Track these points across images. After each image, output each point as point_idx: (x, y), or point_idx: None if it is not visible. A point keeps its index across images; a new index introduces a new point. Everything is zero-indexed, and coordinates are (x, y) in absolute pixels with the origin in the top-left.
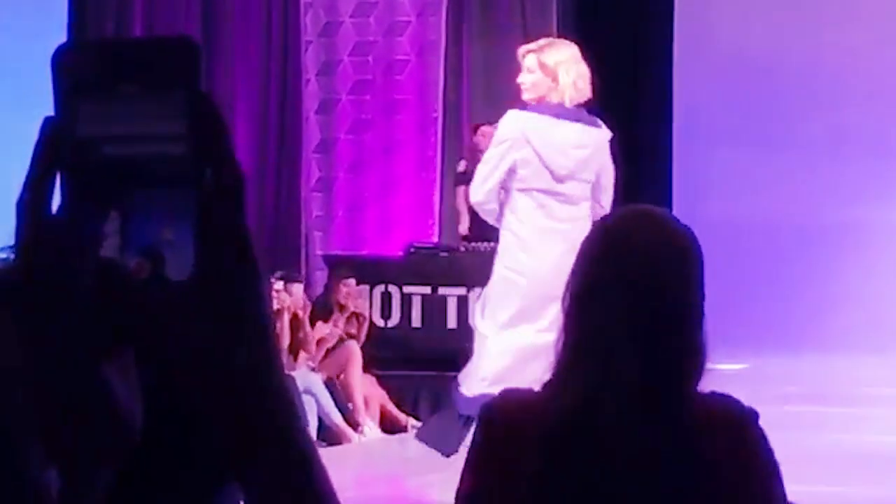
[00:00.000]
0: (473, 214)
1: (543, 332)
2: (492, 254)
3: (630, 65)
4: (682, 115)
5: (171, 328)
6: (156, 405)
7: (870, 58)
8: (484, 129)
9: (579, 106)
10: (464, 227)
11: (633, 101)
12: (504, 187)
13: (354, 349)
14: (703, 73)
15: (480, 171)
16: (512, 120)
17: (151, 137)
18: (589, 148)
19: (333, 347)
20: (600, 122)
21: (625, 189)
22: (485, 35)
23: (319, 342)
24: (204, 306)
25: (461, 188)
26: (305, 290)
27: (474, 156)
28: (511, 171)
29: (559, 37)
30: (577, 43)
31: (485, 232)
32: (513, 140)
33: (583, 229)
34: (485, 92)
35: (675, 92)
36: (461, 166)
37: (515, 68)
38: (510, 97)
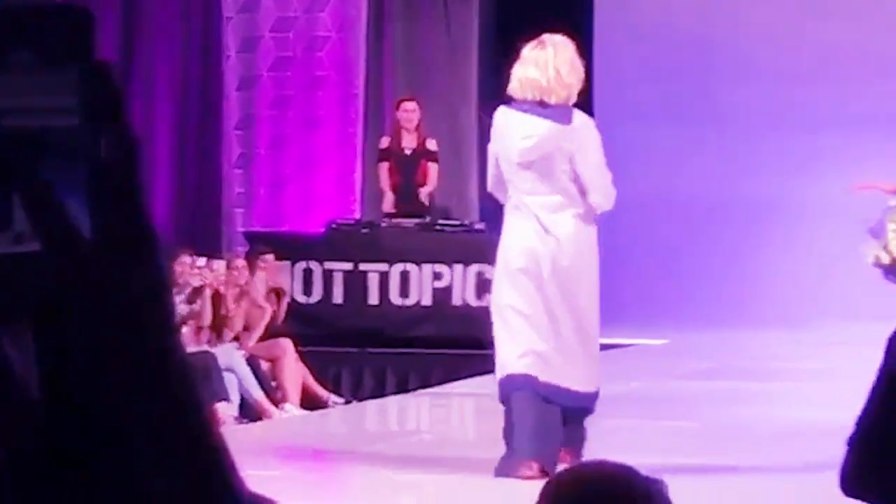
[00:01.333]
0: (398, 191)
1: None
2: (415, 230)
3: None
4: (601, 91)
5: (68, 296)
6: (55, 378)
7: (788, 33)
8: (406, 104)
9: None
10: (388, 204)
11: None
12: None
13: (288, 346)
14: (623, 48)
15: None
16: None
17: (45, 110)
18: (534, 138)
19: (266, 338)
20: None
21: None
22: (406, 10)
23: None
24: (100, 273)
25: (384, 164)
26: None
27: (397, 132)
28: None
29: (480, 13)
30: (497, 18)
31: (410, 208)
32: (493, 135)
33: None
34: (406, 68)
35: (595, 67)
36: (384, 142)
37: (436, 44)
38: (431, 73)
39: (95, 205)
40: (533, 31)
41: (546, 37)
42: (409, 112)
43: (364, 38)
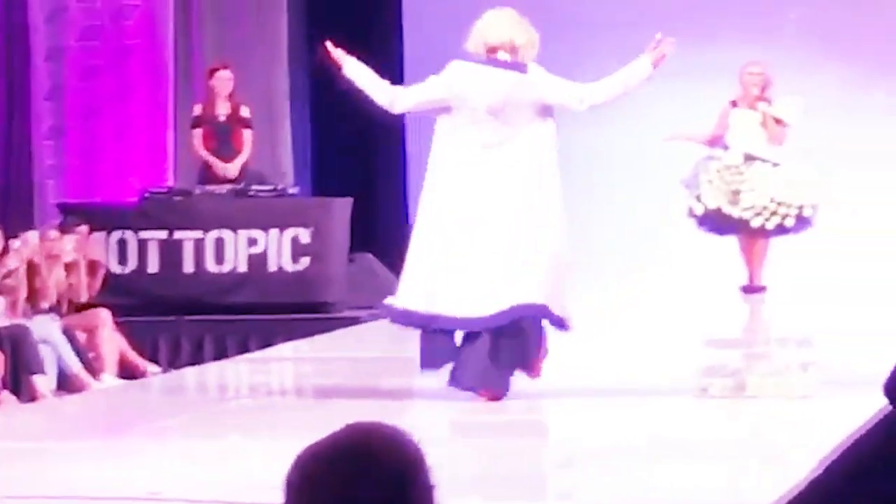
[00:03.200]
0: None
1: None
2: (229, 196)
3: (363, 5)
4: (413, 47)
5: None
6: None
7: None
8: (221, 72)
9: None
10: (203, 171)
11: (366, 33)
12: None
13: (105, 316)
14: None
15: None
16: None
17: None
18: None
19: (83, 308)
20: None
21: (361, 126)
22: None
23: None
24: None
25: (197, 131)
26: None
27: (211, 99)
28: None
29: None
30: None
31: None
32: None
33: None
34: (214, 35)
35: (404, 24)
36: (197, 110)
37: (244, 10)
38: (240, 40)
39: None
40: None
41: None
42: (224, 80)
43: (171, 5)
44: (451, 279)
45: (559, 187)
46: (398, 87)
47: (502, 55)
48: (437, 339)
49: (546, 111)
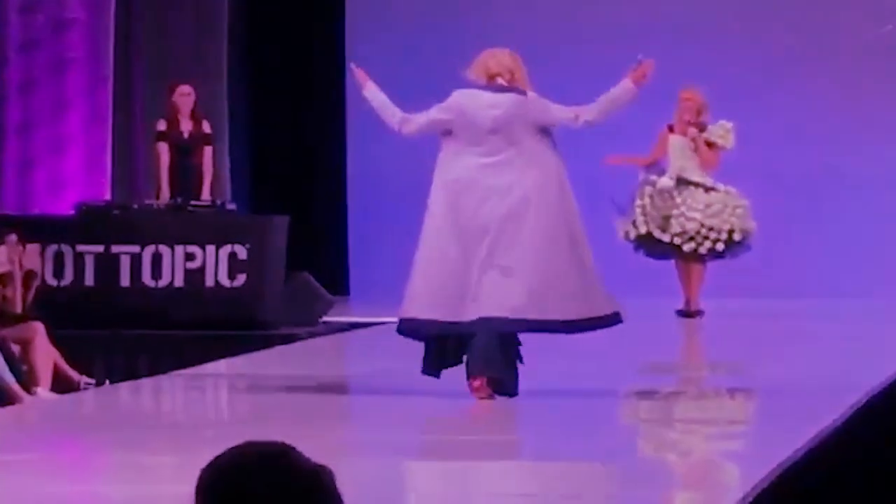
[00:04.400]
0: (175, 174)
1: None
2: (167, 211)
3: (303, 16)
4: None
5: None
6: None
7: (532, 12)
8: (182, 87)
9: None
10: (165, 188)
11: (307, 52)
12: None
13: (39, 329)
14: (375, 23)
15: None
16: None
17: None
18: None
19: (17, 320)
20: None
21: (300, 144)
22: None
23: None
24: None
25: (162, 145)
26: None
27: (174, 115)
28: None
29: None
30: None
31: (188, 192)
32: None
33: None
34: (155, 50)
35: (347, 43)
36: (161, 125)
37: (185, 26)
38: (181, 55)
39: None
40: (283, 11)
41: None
42: (185, 96)
43: (113, 19)
44: (461, 286)
45: (570, 196)
46: (408, 114)
47: (501, 81)
48: (443, 344)
49: (545, 129)
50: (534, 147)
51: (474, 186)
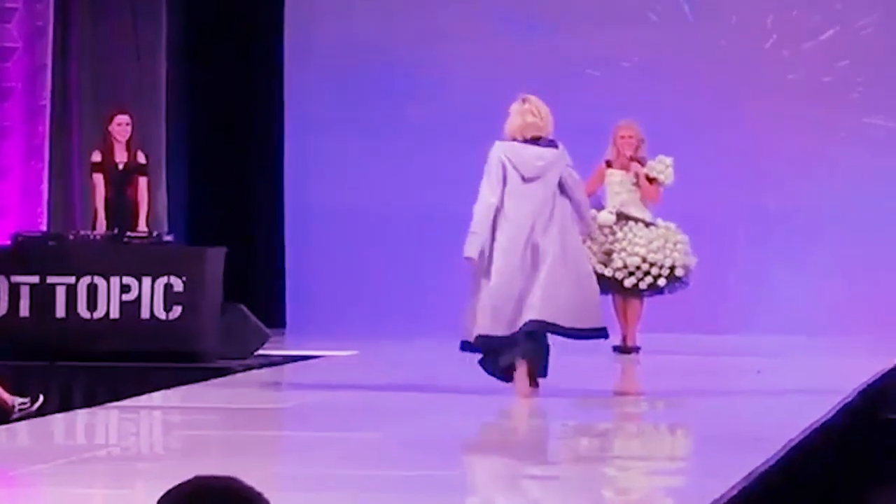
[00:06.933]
0: (110, 205)
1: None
2: (103, 242)
3: (242, 50)
4: (292, 103)
5: None
6: None
7: (471, 47)
8: (119, 117)
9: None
10: (101, 219)
11: (245, 85)
12: None
13: None
14: (312, 60)
15: None
16: None
17: None
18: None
19: None
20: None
21: (237, 176)
22: (93, 23)
23: None
24: None
25: (98, 176)
26: None
27: (109, 145)
28: None
29: (168, 26)
30: (187, 29)
31: (123, 223)
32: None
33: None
34: (93, 80)
35: (286, 79)
36: (96, 156)
37: (123, 56)
38: (118, 85)
39: None
40: (222, 43)
41: (524, 95)
42: (122, 126)
43: (50, 48)
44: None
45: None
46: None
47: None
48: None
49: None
50: (556, 183)
51: (526, 215)
